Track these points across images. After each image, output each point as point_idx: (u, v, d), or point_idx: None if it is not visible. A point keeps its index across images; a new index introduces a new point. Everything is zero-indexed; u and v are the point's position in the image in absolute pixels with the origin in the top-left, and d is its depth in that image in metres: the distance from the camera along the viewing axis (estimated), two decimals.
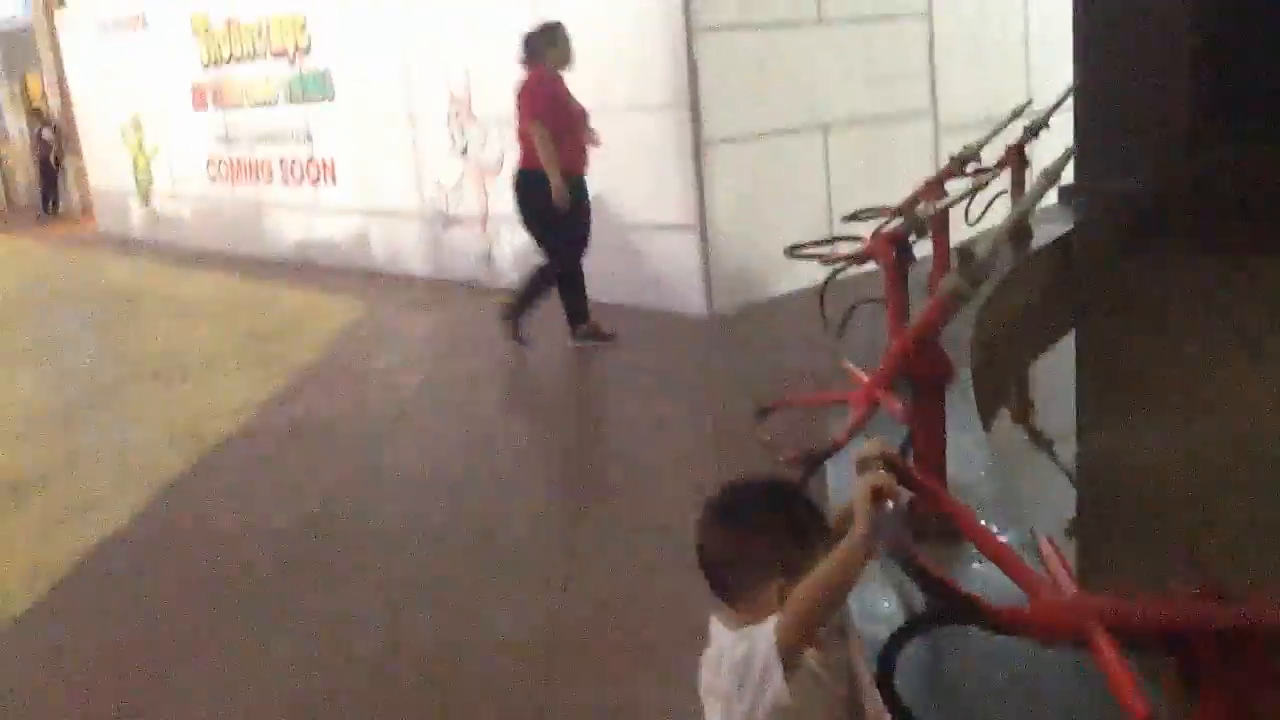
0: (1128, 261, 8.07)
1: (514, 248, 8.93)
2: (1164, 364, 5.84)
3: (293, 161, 11.39)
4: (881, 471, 1.63)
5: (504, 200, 8.79)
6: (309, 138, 11.06)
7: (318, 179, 11.07)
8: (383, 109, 9.89)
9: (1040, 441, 5.47)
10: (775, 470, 2.59)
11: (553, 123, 6.50)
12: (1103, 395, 5.83)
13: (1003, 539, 1.90)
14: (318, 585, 4.10)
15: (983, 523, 1.86)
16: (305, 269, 10.97)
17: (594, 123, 6.90)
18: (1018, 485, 3.99)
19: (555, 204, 6.46)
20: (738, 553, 1.70)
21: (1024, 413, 5.94)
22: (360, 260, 10.62)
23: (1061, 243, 7.78)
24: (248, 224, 12.33)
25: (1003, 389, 5.87)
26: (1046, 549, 1.75)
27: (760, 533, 1.70)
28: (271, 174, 11.80)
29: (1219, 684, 1.49)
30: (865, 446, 1.75)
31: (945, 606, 1.53)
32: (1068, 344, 7.03)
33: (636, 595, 3.81)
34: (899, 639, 1.58)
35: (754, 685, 1.58)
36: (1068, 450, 5.36)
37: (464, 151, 9.16)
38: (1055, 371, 6.56)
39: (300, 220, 11.48)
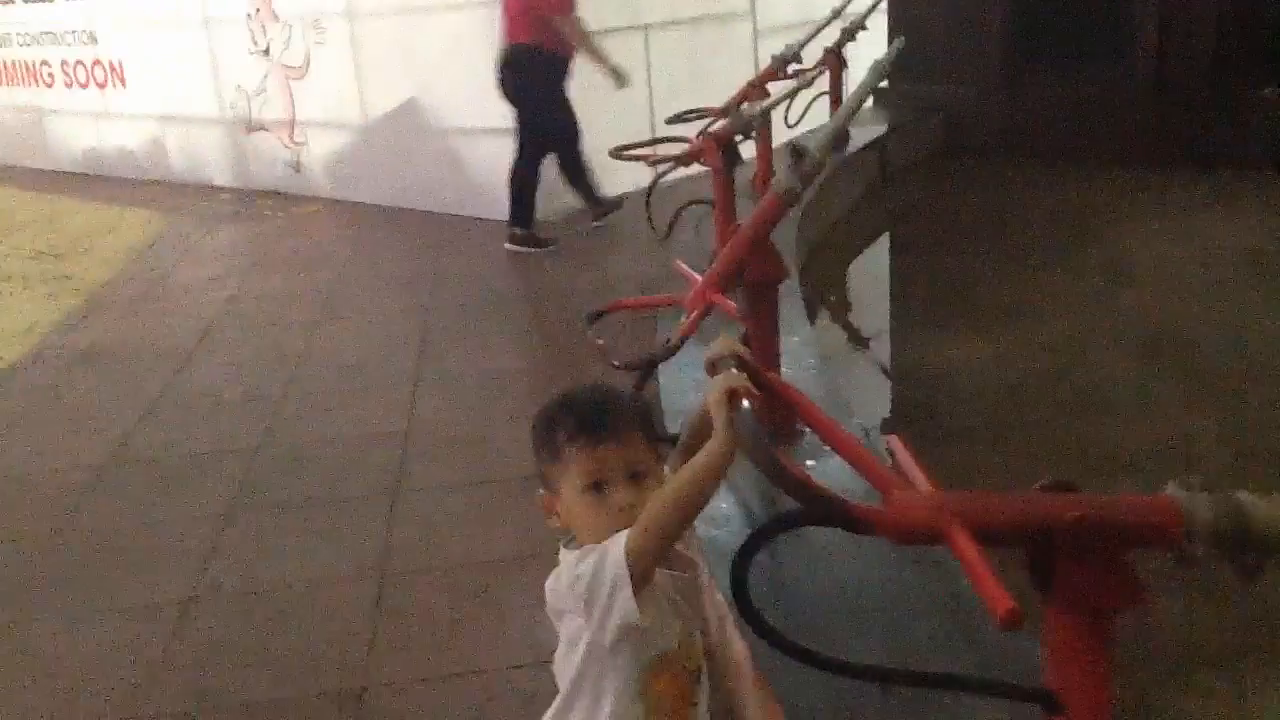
0: (941, 168, 8.29)
1: (324, 153, 8.52)
2: (974, 271, 6.04)
3: (76, 63, 10.51)
4: (735, 372, 1.55)
5: (311, 104, 8.39)
6: (93, 38, 10.22)
7: (105, 82, 10.26)
8: (175, 5, 9.20)
9: (862, 343, 5.58)
10: (607, 377, 2.49)
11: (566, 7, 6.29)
12: (918, 300, 5.97)
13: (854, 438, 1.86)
14: (120, 525, 3.83)
15: (832, 420, 1.81)
16: (96, 181, 10.22)
17: (407, 23, 6.58)
18: (844, 385, 4.05)
19: (617, 83, 6.42)
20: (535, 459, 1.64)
21: (846, 314, 6.04)
22: (157, 170, 9.96)
23: (878, 145, 7.91)
24: (27, 132, 11.38)
25: (826, 291, 5.95)
26: (898, 447, 1.70)
27: (534, 442, 1.65)
28: (53, 77, 10.88)
29: (1071, 577, 1.48)
30: (716, 345, 1.66)
31: (805, 508, 1.47)
32: (885, 248, 7.20)
33: (469, 512, 3.70)
34: (754, 543, 1.51)
35: (602, 602, 1.49)
36: (887, 352, 5.49)
37: (266, 52, 8.62)
38: (874, 275, 6.70)
39: (88, 127, 10.66)
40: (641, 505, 1.54)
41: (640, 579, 1.48)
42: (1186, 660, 2.87)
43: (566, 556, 1.59)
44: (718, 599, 2.79)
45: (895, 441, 1.74)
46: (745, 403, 1.48)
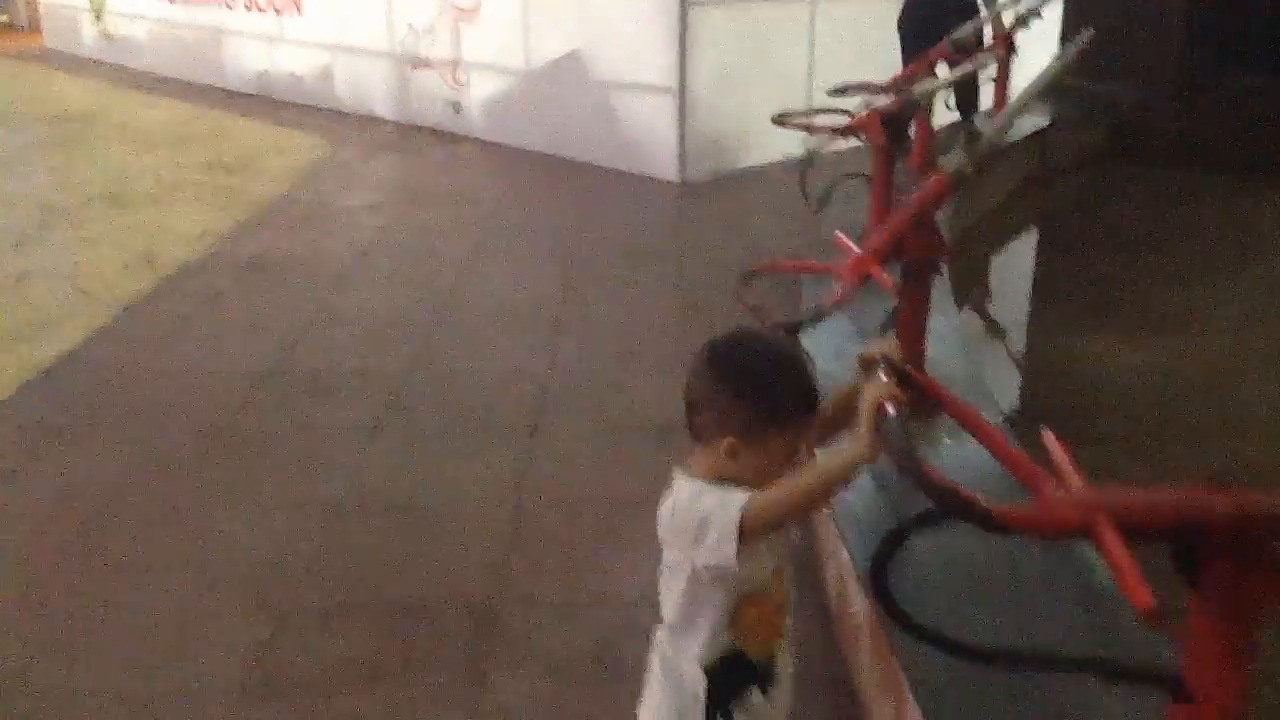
0: (1103, 169, 8.08)
1: (485, 96, 8.72)
2: (1129, 278, 5.91)
3: None
4: (885, 380, 1.61)
5: (477, 46, 8.58)
6: None
7: (282, 8, 10.64)
8: None
9: (1007, 335, 5.52)
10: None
11: None
12: (1068, 299, 5.88)
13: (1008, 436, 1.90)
14: (281, 427, 4.05)
15: (987, 420, 1.85)
16: (265, 102, 10.63)
17: None
18: (987, 374, 4.04)
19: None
20: (711, 398, 1.66)
21: (993, 305, 5.98)
22: (323, 97, 10.31)
23: (1040, 138, 7.75)
24: (207, 51, 11.88)
25: (976, 278, 5.89)
26: (1051, 443, 1.74)
27: (736, 390, 1.66)
28: (234, 0, 11.32)
29: (1219, 575, 1.51)
30: (873, 345, 1.72)
31: (947, 509, 1.53)
32: (1038, 243, 7.07)
33: (604, 453, 3.82)
34: (895, 539, 1.59)
35: (708, 545, 1.58)
36: (1032, 348, 5.42)
37: None
38: (1025, 269, 6.60)
39: (262, 51, 11.08)
40: None
41: (746, 540, 1.56)
42: None
43: (681, 484, 1.67)
44: (843, 559, 2.85)
45: (1049, 436, 1.78)
46: (893, 410, 1.53)
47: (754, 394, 1.66)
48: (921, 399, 1.81)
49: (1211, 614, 1.59)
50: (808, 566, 3.11)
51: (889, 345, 1.74)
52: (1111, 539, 1.50)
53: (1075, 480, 1.68)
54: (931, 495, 1.52)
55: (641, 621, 1.76)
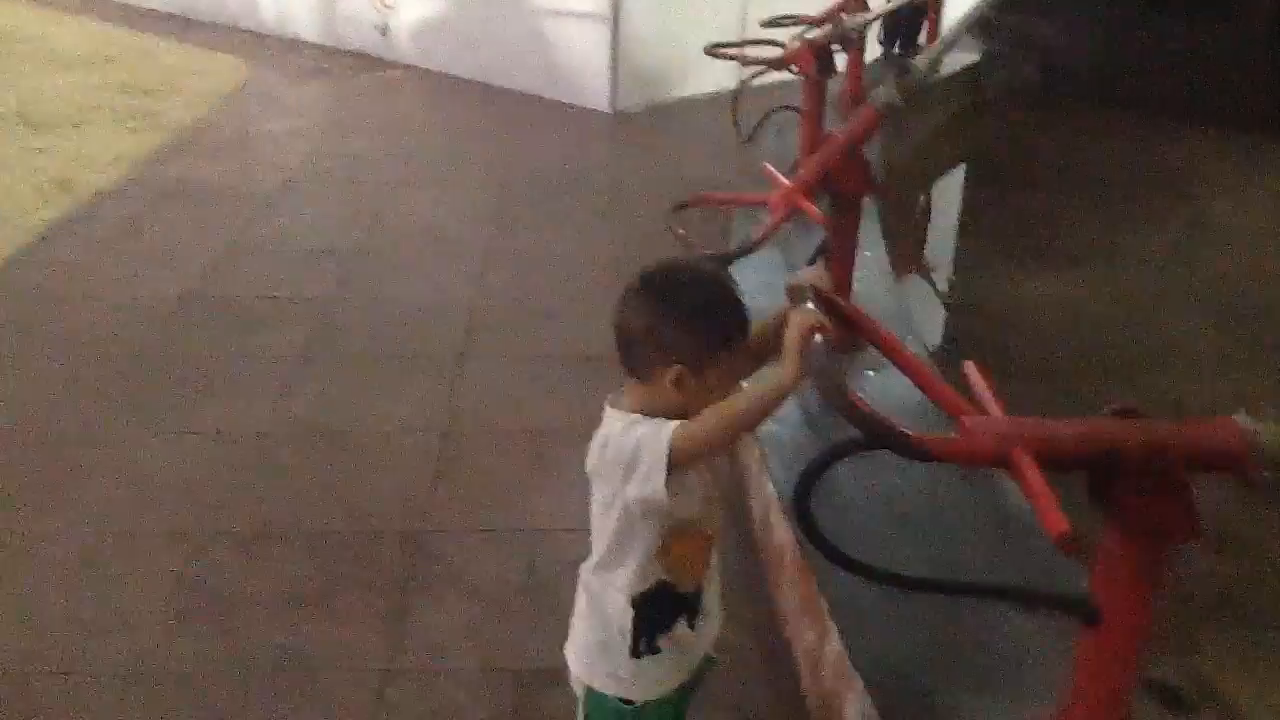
0: (1032, 106, 8.14)
1: (413, 20, 8.52)
2: (1055, 213, 6.00)
3: None
4: (812, 308, 1.62)
5: None
6: None
7: None
8: None
9: (935, 268, 5.59)
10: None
11: None
12: (995, 234, 5.95)
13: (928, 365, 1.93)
14: (205, 355, 3.98)
15: (912, 351, 1.87)
16: (184, 22, 10.27)
17: None
18: (914, 307, 4.09)
19: None
20: (654, 328, 1.64)
21: (922, 238, 6.04)
22: (245, 18, 9.99)
23: (970, 74, 7.78)
24: None
25: (904, 212, 5.94)
26: (973, 374, 1.76)
27: (683, 318, 1.64)
28: None
29: (1133, 501, 1.55)
30: (802, 274, 1.73)
31: (870, 437, 1.55)
32: (966, 178, 7.13)
33: (533, 383, 3.81)
34: (817, 469, 1.60)
35: (638, 477, 1.59)
36: (959, 280, 5.50)
37: None
38: (953, 203, 6.66)
39: None
40: None
41: (675, 471, 1.57)
42: (1225, 611, 2.94)
43: (613, 417, 1.66)
44: (767, 490, 2.89)
45: (971, 368, 1.80)
46: (819, 338, 1.55)
47: (703, 321, 1.64)
48: (848, 329, 1.83)
49: (1121, 541, 1.64)
50: (733, 498, 3.15)
51: (817, 274, 1.74)
52: (1028, 468, 1.53)
53: (995, 411, 1.71)
54: (855, 423, 1.53)
55: (570, 550, 1.77)
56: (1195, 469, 1.55)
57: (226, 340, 4.08)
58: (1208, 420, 1.61)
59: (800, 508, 1.63)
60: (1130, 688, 1.78)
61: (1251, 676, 2.76)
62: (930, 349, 3.58)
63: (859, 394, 1.53)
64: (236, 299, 4.42)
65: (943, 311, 5.02)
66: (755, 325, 1.72)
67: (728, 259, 3.09)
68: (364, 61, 8.70)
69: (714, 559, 1.84)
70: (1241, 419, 1.57)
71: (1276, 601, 3.07)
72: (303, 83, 8.24)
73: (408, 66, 8.55)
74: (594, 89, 7.30)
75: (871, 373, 3.13)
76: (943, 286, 5.40)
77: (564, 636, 1.84)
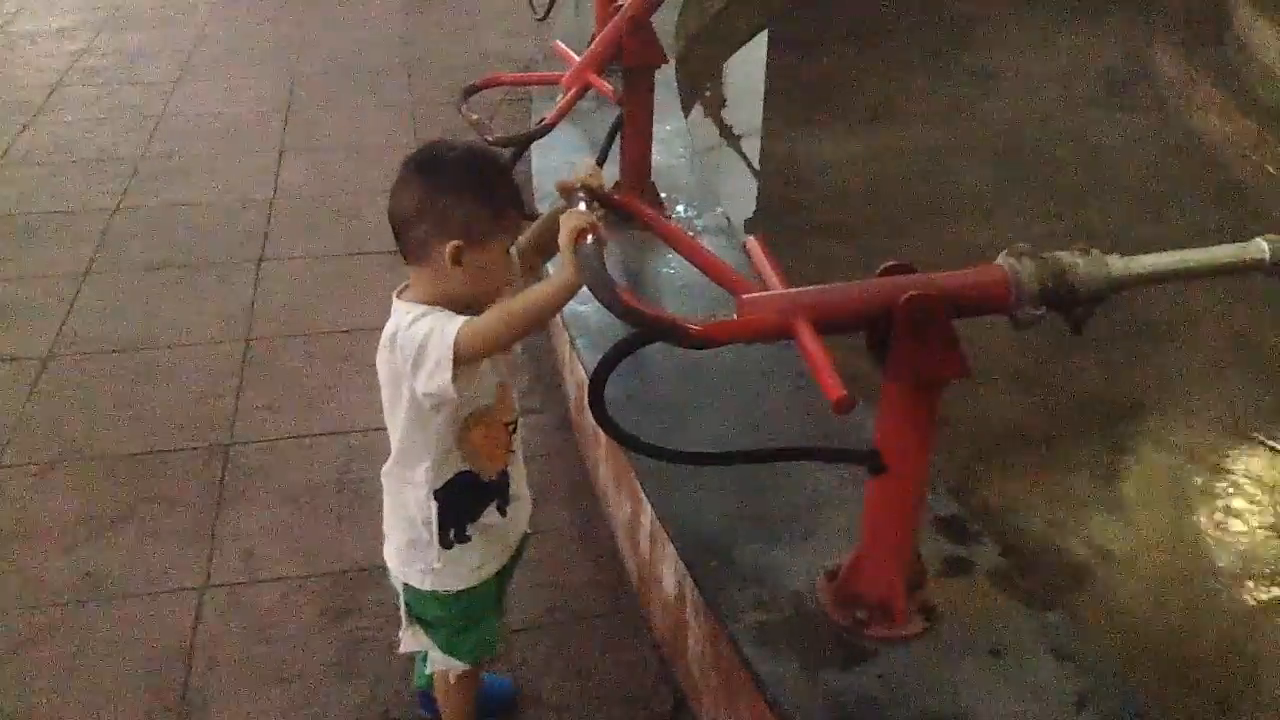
0: None
1: None
2: (849, 72, 6.11)
3: None
4: (584, 211, 1.62)
5: None
6: None
7: None
8: None
9: (734, 137, 5.63)
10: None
11: None
12: (792, 98, 6.02)
13: (708, 246, 1.96)
14: None
15: (689, 234, 1.89)
16: None
17: None
18: (714, 177, 4.13)
19: None
20: (426, 207, 1.62)
21: (720, 107, 6.06)
22: None
23: None
24: None
25: (702, 82, 5.94)
26: (755, 249, 1.80)
27: (454, 190, 1.62)
28: None
29: (905, 352, 1.62)
30: (574, 170, 1.72)
31: (645, 331, 1.58)
32: (762, 44, 7.15)
33: (336, 281, 3.72)
34: (604, 370, 1.63)
35: (425, 370, 1.58)
36: (758, 147, 5.57)
37: None
38: (750, 70, 6.69)
39: None
40: None
41: (460, 367, 1.56)
42: (1005, 441, 3.14)
43: (400, 308, 1.65)
44: (579, 372, 2.91)
45: (753, 243, 1.84)
46: (591, 239, 1.54)
47: (474, 190, 1.63)
48: (625, 219, 1.84)
49: (897, 391, 1.72)
50: (549, 378, 3.17)
51: (587, 171, 1.73)
52: (808, 337, 1.58)
53: (777, 284, 1.75)
54: (631, 320, 1.55)
55: (385, 449, 1.75)
56: (966, 314, 1.63)
57: (1, 261, 3.83)
58: (974, 267, 1.69)
59: (596, 410, 1.68)
60: (917, 526, 1.89)
61: (1035, 491, 2.98)
62: (733, 220, 3.62)
63: (645, 287, 1.55)
64: (8, 215, 4.14)
65: (745, 179, 5.09)
66: (535, 222, 1.73)
67: (522, 142, 3.04)
68: None
69: (517, 444, 1.85)
70: (1004, 261, 1.66)
71: (1061, 424, 3.31)
72: None
73: None
74: None
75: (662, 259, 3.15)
76: (744, 153, 5.46)
77: (382, 535, 1.84)
